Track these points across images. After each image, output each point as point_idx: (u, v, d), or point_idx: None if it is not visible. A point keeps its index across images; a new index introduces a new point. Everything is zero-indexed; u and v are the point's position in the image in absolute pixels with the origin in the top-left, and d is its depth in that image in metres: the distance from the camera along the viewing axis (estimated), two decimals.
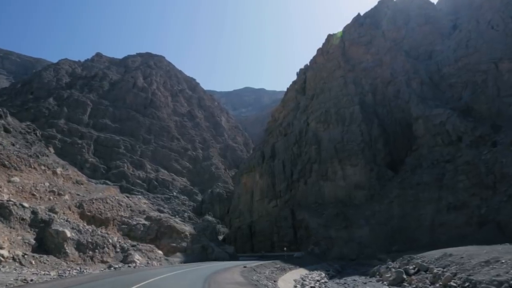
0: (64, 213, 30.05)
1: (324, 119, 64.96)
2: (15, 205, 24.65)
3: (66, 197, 34.81)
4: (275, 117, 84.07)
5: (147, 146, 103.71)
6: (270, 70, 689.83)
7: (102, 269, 24.97)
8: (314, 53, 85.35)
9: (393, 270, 23.60)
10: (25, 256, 21.23)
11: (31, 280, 15.47)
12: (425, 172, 50.55)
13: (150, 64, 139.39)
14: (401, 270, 22.04)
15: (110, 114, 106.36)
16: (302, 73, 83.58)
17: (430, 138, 53.69)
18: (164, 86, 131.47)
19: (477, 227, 39.80)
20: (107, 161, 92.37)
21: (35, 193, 31.92)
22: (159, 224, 40.65)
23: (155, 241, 38.40)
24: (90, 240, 27.58)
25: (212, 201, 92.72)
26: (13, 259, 20.14)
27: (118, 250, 30.48)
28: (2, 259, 19.32)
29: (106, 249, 28.80)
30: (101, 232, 30.57)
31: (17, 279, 15.34)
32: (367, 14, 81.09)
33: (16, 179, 31.64)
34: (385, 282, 22.80)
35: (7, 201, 24.97)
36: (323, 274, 29.49)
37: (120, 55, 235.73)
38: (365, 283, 24.99)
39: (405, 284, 20.14)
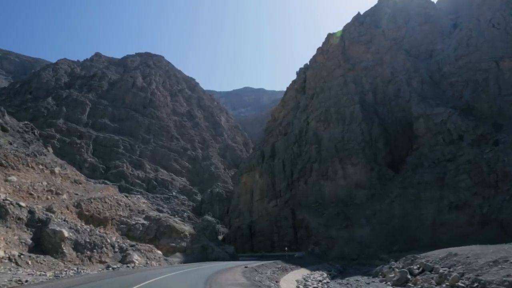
0: (61, 213, 29.64)
1: (324, 118, 64.61)
2: (12, 204, 24.24)
3: (64, 196, 34.40)
4: (274, 117, 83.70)
5: (146, 146, 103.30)
6: (269, 70, 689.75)
7: (100, 269, 24.55)
8: (313, 52, 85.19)
9: (397, 270, 23.17)
10: (21, 256, 20.82)
11: (26, 281, 15.07)
12: (426, 171, 50.23)
13: (149, 64, 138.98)
14: (405, 270, 21.61)
15: (109, 114, 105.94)
16: (302, 73, 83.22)
17: (431, 137, 53.36)
18: (163, 86, 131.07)
19: (479, 226, 39.47)
20: (106, 161, 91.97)
21: (32, 193, 31.52)
22: (158, 224, 40.23)
23: (154, 241, 37.98)
24: (88, 240, 27.17)
25: (212, 201, 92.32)
26: (9, 259, 19.73)
27: (117, 250, 30.06)
28: None
29: (104, 249, 28.39)
30: (99, 232, 30.16)
31: (11, 280, 14.93)
32: (367, 13, 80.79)
33: (13, 178, 31.23)
34: (388, 283, 22.38)
35: (4, 200, 24.55)
36: (325, 274, 29.08)
37: (119, 55, 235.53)
38: (368, 283, 24.58)
39: (410, 284, 19.70)
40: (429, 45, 68.81)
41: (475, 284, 14.48)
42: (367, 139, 59.66)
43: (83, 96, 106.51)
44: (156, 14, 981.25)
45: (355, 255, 45.24)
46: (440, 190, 46.42)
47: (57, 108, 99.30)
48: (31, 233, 24.23)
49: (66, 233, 25.45)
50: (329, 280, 26.88)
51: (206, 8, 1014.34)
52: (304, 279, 24.83)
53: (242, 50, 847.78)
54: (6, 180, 30.12)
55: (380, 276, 26.22)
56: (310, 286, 21.99)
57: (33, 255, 21.89)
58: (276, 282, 19.73)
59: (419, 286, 18.63)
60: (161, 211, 62.73)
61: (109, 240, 29.69)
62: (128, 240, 34.10)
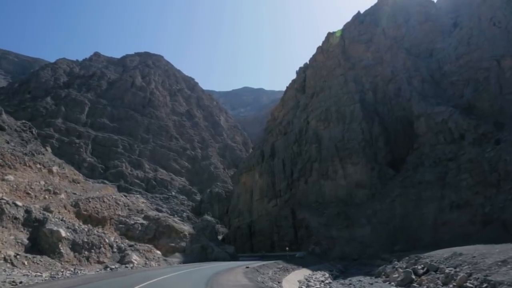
0: (59, 212, 29.21)
1: (324, 117, 64.28)
2: (8, 203, 23.81)
3: (62, 196, 33.96)
4: (274, 116, 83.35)
5: (146, 145, 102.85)
6: (268, 70, 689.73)
7: (98, 270, 24.12)
8: (313, 52, 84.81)
9: (400, 270, 22.75)
10: (17, 256, 20.39)
11: (20, 282, 14.64)
12: (427, 171, 49.87)
13: (149, 63, 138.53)
14: (409, 270, 21.19)
15: (108, 114, 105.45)
16: (302, 72, 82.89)
17: (432, 136, 53.01)
18: (162, 86, 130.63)
19: (481, 226, 39.09)
20: (105, 160, 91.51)
21: (30, 192, 31.08)
22: (157, 224, 39.80)
23: (153, 241, 37.55)
24: (86, 240, 26.74)
25: (211, 200, 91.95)
26: (5, 259, 19.31)
27: (115, 250, 29.64)
28: None
29: (102, 249, 27.97)
30: (97, 231, 29.72)
31: (4, 282, 14.49)
32: (367, 12, 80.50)
33: (10, 177, 30.79)
34: (392, 283, 21.97)
35: (0, 199, 24.14)
36: (327, 275, 28.68)
37: (118, 55, 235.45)
38: (371, 283, 24.16)
39: (414, 285, 19.29)
40: (429, 44, 68.47)
41: (485, 285, 14.08)
42: (368, 138, 59.34)
43: (82, 95, 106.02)
44: (155, 14, 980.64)
45: (356, 255, 44.87)
46: (441, 190, 46.06)
47: (55, 107, 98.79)
48: (27, 233, 23.80)
49: (63, 233, 25.03)
50: (331, 281, 26.47)
51: (205, 8, 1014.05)
52: (306, 279, 24.40)
53: (242, 50, 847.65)
54: (2, 180, 29.69)
55: (383, 276, 25.81)
56: (313, 286, 21.59)
57: (29, 256, 21.47)
58: (279, 283, 19.29)
59: (425, 287, 18.23)
60: (160, 211, 62.29)
61: (107, 240, 29.26)
62: (126, 240, 33.68)
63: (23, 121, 48.22)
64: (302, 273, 26.97)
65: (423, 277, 19.46)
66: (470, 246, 22.50)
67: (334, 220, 51.44)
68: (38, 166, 36.23)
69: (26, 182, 31.72)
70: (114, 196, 40.34)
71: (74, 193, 36.35)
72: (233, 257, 44.31)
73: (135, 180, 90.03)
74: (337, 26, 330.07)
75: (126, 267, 26.95)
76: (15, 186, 29.97)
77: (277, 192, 65.86)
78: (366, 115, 61.20)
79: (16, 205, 24.57)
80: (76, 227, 27.44)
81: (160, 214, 46.65)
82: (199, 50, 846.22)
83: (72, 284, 14.72)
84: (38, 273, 18.44)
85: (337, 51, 73.91)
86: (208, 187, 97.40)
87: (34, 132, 45.90)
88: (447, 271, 18.04)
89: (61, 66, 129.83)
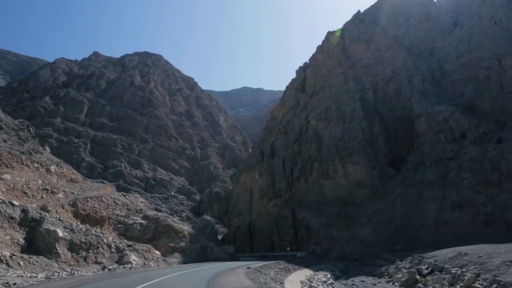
0: (56, 212, 28.81)
1: (324, 116, 63.94)
2: (4, 203, 23.41)
3: (60, 195, 33.57)
4: (274, 116, 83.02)
5: (145, 145, 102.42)
6: (268, 69, 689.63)
7: (96, 270, 23.69)
8: (312, 52, 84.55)
9: (404, 270, 22.33)
10: (13, 257, 19.98)
11: (14, 284, 14.23)
12: (428, 170, 49.55)
13: (148, 63, 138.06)
14: (414, 270, 20.76)
15: (107, 113, 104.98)
16: (302, 71, 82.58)
17: (433, 135, 52.67)
18: (161, 85, 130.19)
19: (483, 225, 38.74)
20: (104, 160, 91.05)
21: (27, 191, 30.70)
22: (156, 224, 39.42)
23: (153, 241, 37.17)
24: (83, 240, 26.35)
25: (211, 200, 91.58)
26: (0, 260, 18.90)
27: (114, 250, 29.25)
28: None
29: (100, 249, 27.58)
30: (95, 231, 29.32)
31: None
32: (367, 11, 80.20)
33: (7, 176, 30.40)
34: (396, 283, 21.57)
35: None
36: (329, 275, 28.26)
37: (117, 54, 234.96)
38: (374, 284, 23.75)
39: (419, 285, 18.84)
40: (429, 43, 68.17)
41: (494, 285, 13.68)
42: (368, 137, 59.02)
43: (81, 95, 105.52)
44: (154, 14, 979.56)
45: (357, 255, 44.52)
46: (442, 189, 45.72)
47: (54, 107, 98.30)
48: (24, 232, 23.40)
49: (60, 233, 24.63)
50: (333, 281, 26.03)
51: (205, 8, 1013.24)
52: (308, 280, 24.00)
53: (241, 50, 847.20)
54: None
55: (386, 277, 25.40)
56: (315, 287, 21.18)
57: (25, 256, 21.06)
58: (281, 283, 18.85)
59: (430, 287, 17.81)
60: (159, 211, 61.89)
61: (105, 240, 28.87)
62: (125, 240, 33.30)
63: (21, 120, 47.79)
64: (303, 273, 26.56)
65: (428, 278, 19.02)
66: (474, 246, 22.12)
67: (334, 220, 51.10)
68: (36, 165, 35.83)
69: (23, 181, 31.34)
70: (112, 196, 39.95)
71: (72, 193, 35.95)
72: (233, 257, 43.93)
73: (134, 180, 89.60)
74: (336, 25, 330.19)
75: (125, 267, 26.54)
76: (12, 185, 29.58)
77: (277, 191, 65.51)
78: (366, 114, 60.89)
79: (13, 205, 24.17)
80: (74, 227, 27.03)
81: (159, 213, 46.27)
82: (198, 50, 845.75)
83: (68, 286, 14.30)
84: (34, 274, 18.03)
85: (337, 50, 73.60)
86: (207, 187, 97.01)
87: (32, 131, 45.50)
88: (453, 271, 17.60)
89: (60, 66, 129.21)
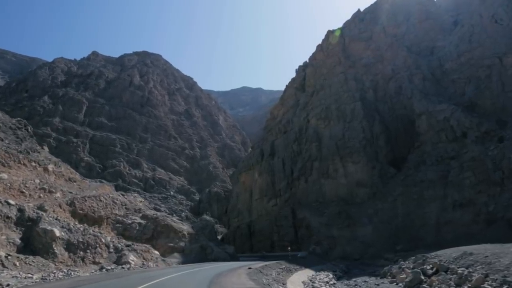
0: (54, 211, 28.38)
1: (324, 115, 63.60)
2: (0, 202, 23.00)
3: (58, 194, 33.15)
4: (274, 115, 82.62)
5: (144, 145, 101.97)
6: (267, 69, 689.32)
7: (93, 271, 23.29)
8: (311, 52, 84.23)
9: (408, 270, 21.94)
10: (9, 257, 19.57)
11: (7, 285, 13.83)
12: (429, 169, 49.23)
13: (147, 62, 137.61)
14: (418, 270, 20.31)
15: (106, 113, 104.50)
16: (302, 70, 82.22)
17: (434, 134, 52.36)
18: (161, 85, 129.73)
19: (485, 225, 38.46)
20: (103, 160, 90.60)
21: (24, 190, 30.27)
22: (155, 223, 39.00)
23: (152, 241, 36.75)
24: (81, 240, 25.94)
25: (210, 200, 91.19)
26: None
27: (112, 250, 28.83)
28: None
29: (98, 249, 27.17)
30: (93, 231, 28.90)
31: None
32: (367, 10, 79.88)
33: (4, 175, 29.98)
34: (400, 284, 21.15)
35: None
36: (331, 275, 27.85)
37: (116, 54, 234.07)
38: (377, 285, 23.34)
39: (424, 286, 18.36)
40: (430, 42, 67.89)
41: (505, 286, 13.30)
42: (368, 136, 58.69)
43: (79, 94, 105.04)
44: (153, 13, 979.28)
45: (357, 255, 44.15)
46: (443, 188, 45.41)
47: (53, 106, 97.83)
48: (20, 232, 22.98)
49: (57, 233, 24.22)
50: (335, 281, 25.61)
51: (204, 7, 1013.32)
52: (311, 280, 23.58)
53: (240, 50, 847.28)
54: None
55: (389, 277, 24.99)
56: None
57: (21, 256, 20.65)
58: (283, 284, 18.41)
59: None
60: (158, 211, 61.50)
61: (103, 240, 28.45)
62: (124, 240, 32.88)
63: (18, 118, 47.35)
64: (305, 273, 26.13)
65: (434, 278, 18.58)
66: (478, 246, 21.74)
67: (335, 220, 50.74)
68: (33, 164, 35.41)
69: (21, 181, 30.92)
70: (111, 195, 39.53)
71: (70, 192, 35.54)
72: (233, 257, 43.52)
73: (133, 179, 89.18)
74: (336, 24, 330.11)
75: (123, 267, 26.14)
76: (8, 184, 29.15)
77: (277, 191, 65.13)
78: (366, 114, 60.56)
79: (9, 204, 23.76)
80: (71, 227, 26.62)
81: (159, 213, 45.85)
82: (197, 50, 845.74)
83: (65, 287, 13.87)
84: (29, 275, 17.59)
85: (337, 49, 73.25)
86: (207, 186, 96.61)
87: (29, 130, 45.07)
88: (459, 271, 17.20)
89: (59, 65, 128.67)
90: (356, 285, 24.05)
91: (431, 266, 21.00)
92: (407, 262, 26.74)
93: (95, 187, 44.72)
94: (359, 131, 58.95)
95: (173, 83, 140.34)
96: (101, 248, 27.50)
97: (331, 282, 24.37)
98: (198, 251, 39.43)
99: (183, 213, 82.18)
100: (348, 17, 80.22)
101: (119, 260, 27.90)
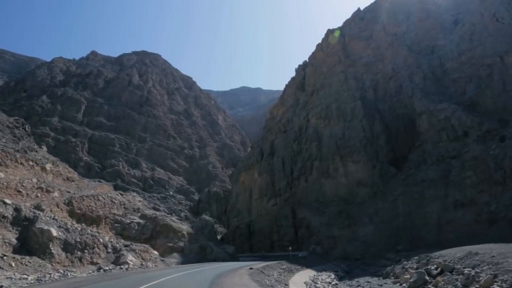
0: (51, 211, 27.96)
1: (325, 115, 63.28)
2: None
3: (55, 194, 32.73)
4: (273, 114, 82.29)
5: (143, 144, 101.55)
6: (266, 69, 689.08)
7: (91, 271, 22.89)
8: (310, 51, 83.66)
9: (412, 270, 21.57)
10: (4, 257, 19.17)
11: (1, 287, 13.41)
12: (430, 169, 48.92)
13: (146, 62, 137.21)
14: (423, 271, 19.94)
15: (105, 112, 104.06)
16: (301, 69, 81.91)
17: (435, 134, 52.05)
18: (160, 84, 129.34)
19: (486, 224, 38.13)
20: (101, 159, 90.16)
21: (21, 190, 29.83)
22: (154, 223, 38.59)
23: (150, 241, 36.33)
24: (78, 240, 25.52)
25: (209, 200, 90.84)
26: None
27: (110, 250, 28.44)
28: None
29: (96, 249, 26.77)
30: (91, 231, 28.49)
31: None
32: (367, 9, 79.59)
33: (1, 174, 29.54)
34: (404, 284, 20.78)
35: None
36: (333, 276, 27.47)
37: (115, 54, 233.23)
38: (381, 285, 22.96)
39: (430, 286, 18.00)
40: (430, 41, 67.59)
41: None
42: (369, 136, 58.38)
43: (78, 94, 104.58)
44: (153, 13, 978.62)
45: (358, 255, 43.81)
46: (445, 188, 45.09)
47: (52, 106, 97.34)
48: (16, 232, 22.57)
49: (54, 232, 23.81)
50: (337, 282, 25.23)
51: (203, 7, 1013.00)
52: (313, 281, 23.21)
53: (239, 49, 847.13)
54: None
55: (392, 277, 24.64)
56: None
57: (17, 256, 20.24)
58: (285, 285, 18.00)
59: None
60: (157, 210, 61.10)
61: (101, 240, 28.05)
62: (122, 240, 32.47)
63: (16, 117, 46.92)
64: (306, 274, 25.75)
65: (439, 278, 18.19)
66: (482, 245, 21.41)
67: (335, 219, 50.41)
68: (31, 163, 34.99)
69: (18, 180, 30.49)
70: (109, 195, 39.11)
71: (68, 191, 35.11)
72: (233, 257, 43.13)
73: (132, 179, 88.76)
74: (335, 23, 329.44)
75: (121, 268, 25.74)
76: (5, 183, 28.71)
77: (277, 191, 64.78)
78: (367, 113, 60.26)
79: (5, 203, 23.35)
80: (69, 226, 26.21)
81: (158, 213, 45.44)
82: (196, 49, 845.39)
83: None
84: (25, 275, 17.18)
85: (337, 48, 72.95)
86: (206, 186, 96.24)
87: (27, 129, 44.61)
88: (465, 271, 16.83)
89: (58, 65, 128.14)
90: (359, 285, 23.66)
91: (435, 266, 20.61)
92: (410, 262, 26.35)
93: (93, 186, 44.31)
94: (360, 130, 58.65)
95: (172, 82, 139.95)
96: (99, 248, 27.10)
97: (333, 283, 24.00)
98: (198, 251, 39.04)
99: (182, 213, 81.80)
100: (348, 16, 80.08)
101: (117, 261, 27.51)
